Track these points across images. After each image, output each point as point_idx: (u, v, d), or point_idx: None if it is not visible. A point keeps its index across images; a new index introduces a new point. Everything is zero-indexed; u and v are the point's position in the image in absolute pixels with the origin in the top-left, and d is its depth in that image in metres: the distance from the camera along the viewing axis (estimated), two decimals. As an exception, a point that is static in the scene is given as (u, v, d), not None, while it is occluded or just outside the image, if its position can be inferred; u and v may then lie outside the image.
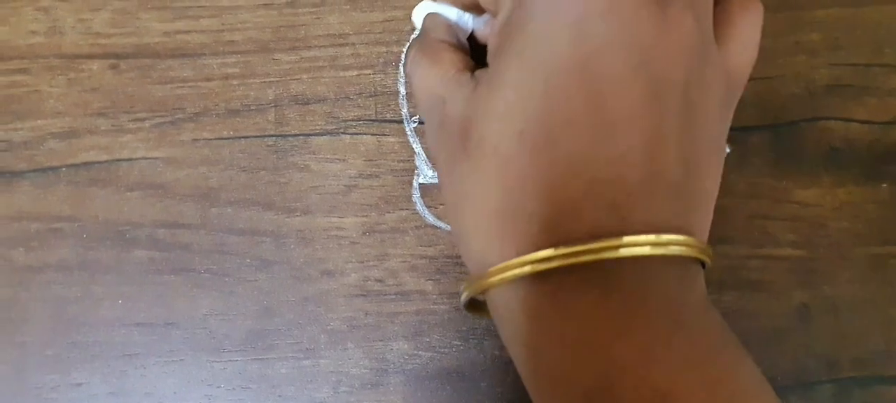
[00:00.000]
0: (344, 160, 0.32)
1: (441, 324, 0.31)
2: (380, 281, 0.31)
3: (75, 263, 0.30)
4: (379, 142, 0.32)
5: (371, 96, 0.33)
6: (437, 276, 0.31)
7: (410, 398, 0.30)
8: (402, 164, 0.32)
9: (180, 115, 0.32)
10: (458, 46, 0.28)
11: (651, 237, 0.21)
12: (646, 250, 0.21)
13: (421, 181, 0.32)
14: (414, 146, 0.32)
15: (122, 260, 0.31)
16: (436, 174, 0.32)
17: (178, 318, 0.30)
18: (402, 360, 0.30)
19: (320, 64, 0.33)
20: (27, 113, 0.32)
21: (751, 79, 0.33)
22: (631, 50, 0.22)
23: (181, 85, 0.32)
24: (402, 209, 0.32)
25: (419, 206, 0.32)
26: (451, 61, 0.26)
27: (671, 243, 0.21)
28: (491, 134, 0.23)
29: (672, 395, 0.20)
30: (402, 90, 0.33)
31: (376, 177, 0.32)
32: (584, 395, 0.21)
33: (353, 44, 0.33)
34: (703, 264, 0.23)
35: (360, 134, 0.32)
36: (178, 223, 0.31)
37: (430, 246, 0.31)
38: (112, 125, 0.32)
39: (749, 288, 0.31)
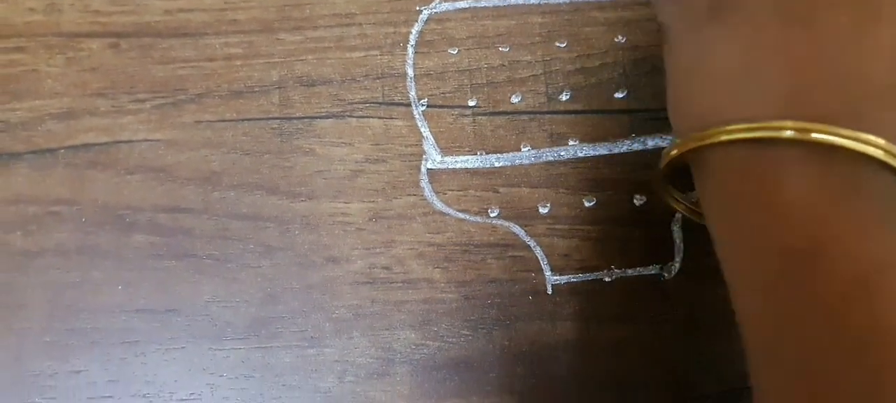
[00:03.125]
0: (350, 144, 0.31)
1: (449, 313, 0.30)
2: (386, 268, 0.30)
3: (74, 248, 0.30)
4: (386, 125, 0.31)
5: (378, 78, 0.32)
6: (445, 264, 0.30)
7: (417, 389, 0.29)
8: (409, 149, 0.31)
9: (182, 96, 0.31)
10: None
11: (883, 142, 0.21)
12: (878, 153, 0.21)
13: (429, 166, 0.31)
14: (422, 130, 0.31)
15: (122, 244, 0.30)
16: (444, 159, 0.31)
17: (179, 305, 0.29)
18: (408, 350, 0.29)
19: (326, 44, 0.32)
20: (25, 93, 0.31)
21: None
22: None
23: (183, 65, 0.32)
24: (410, 195, 0.31)
25: (427, 192, 0.31)
26: None
27: None
28: (748, 1, 0.23)
29: (887, 267, 0.21)
30: (410, 72, 0.32)
31: (383, 161, 0.31)
32: (788, 254, 0.22)
33: (360, 24, 0.32)
34: None
35: (367, 117, 0.32)
36: (179, 207, 0.30)
37: (437, 233, 0.30)
38: (112, 106, 0.31)
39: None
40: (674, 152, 0.25)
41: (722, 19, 0.24)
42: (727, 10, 0.24)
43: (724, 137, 0.23)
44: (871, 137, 0.21)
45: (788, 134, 0.22)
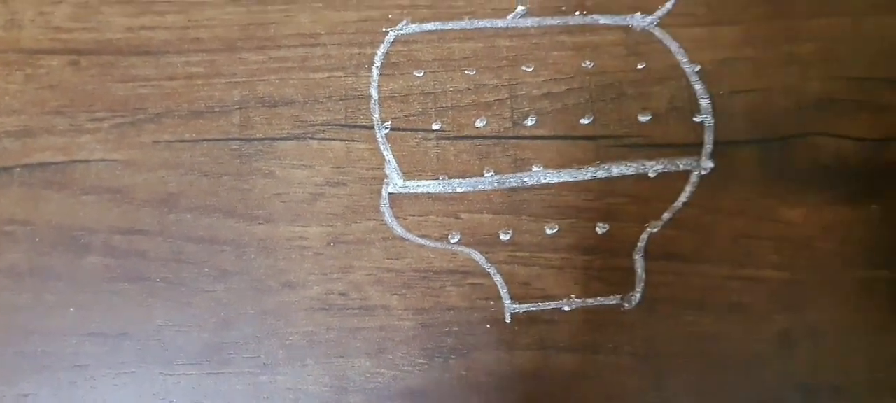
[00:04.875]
0: (311, 166, 0.31)
1: (405, 341, 0.29)
2: (343, 294, 0.30)
3: (26, 269, 0.29)
4: (348, 148, 0.31)
5: (341, 100, 0.31)
6: (403, 290, 0.30)
7: (371, 418, 0.29)
8: (371, 173, 0.31)
9: (141, 116, 0.31)
10: None
11: None
12: None
13: (390, 190, 0.31)
14: (384, 153, 0.31)
15: (76, 266, 0.29)
16: (405, 183, 0.31)
17: (131, 329, 0.29)
18: (363, 378, 0.29)
19: (289, 65, 0.32)
20: (-18, 109, 0.31)
21: (738, 91, 0.31)
22: None
23: (143, 84, 0.31)
24: (370, 219, 0.30)
25: (387, 217, 0.30)
26: None
27: None
28: None
29: None
30: (375, 94, 0.32)
31: (344, 185, 0.31)
32: None
33: (325, 44, 0.32)
34: None
35: (329, 139, 0.31)
36: (134, 229, 0.30)
37: (396, 258, 0.30)
38: (70, 124, 0.31)
39: (728, 311, 0.30)
40: None
41: None
42: None
43: None
44: None
45: None
